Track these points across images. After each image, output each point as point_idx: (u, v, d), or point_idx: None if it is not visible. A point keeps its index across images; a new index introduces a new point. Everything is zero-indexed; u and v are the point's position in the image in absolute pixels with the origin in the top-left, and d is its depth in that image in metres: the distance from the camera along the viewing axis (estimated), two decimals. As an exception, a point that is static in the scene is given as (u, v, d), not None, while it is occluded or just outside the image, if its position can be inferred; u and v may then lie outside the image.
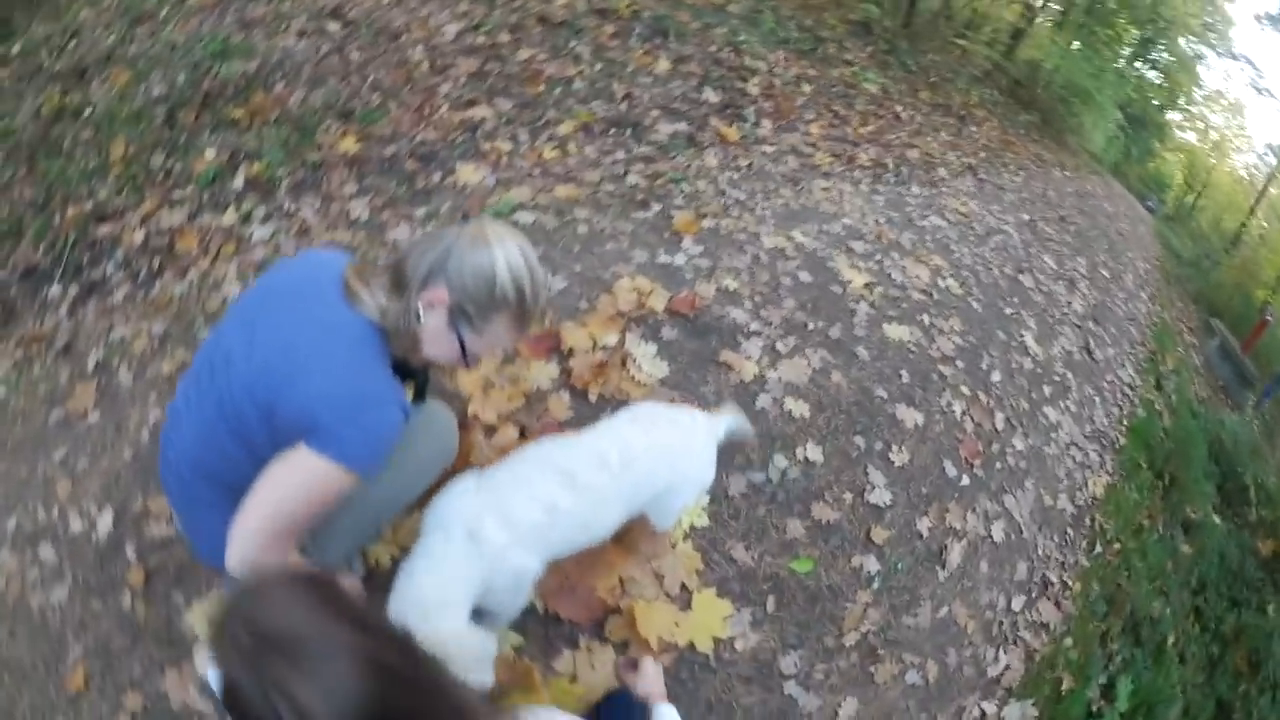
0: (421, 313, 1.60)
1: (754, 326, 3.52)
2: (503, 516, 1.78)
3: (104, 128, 5.24)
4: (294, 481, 1.52)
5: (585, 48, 6.08)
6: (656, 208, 4.40)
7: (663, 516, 2.29)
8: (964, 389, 3.71)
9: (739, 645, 2.43)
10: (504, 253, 1.60)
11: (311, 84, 5.37)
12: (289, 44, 5.74)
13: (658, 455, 2.05)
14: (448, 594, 1.69)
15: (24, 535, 2.63)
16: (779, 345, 3.47)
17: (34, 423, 3.18)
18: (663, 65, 6.18)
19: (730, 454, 2.84)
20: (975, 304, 4.51)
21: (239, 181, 4.50)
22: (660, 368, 3.13)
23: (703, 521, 2.68)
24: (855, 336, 3.68)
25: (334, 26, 5.94)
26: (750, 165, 5.34)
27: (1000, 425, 3.67)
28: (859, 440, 3.17)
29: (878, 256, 4.48)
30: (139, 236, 4.20)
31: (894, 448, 3.22)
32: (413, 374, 1.93)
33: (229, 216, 4.30)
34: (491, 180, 4.44)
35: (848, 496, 2.95)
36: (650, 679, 1.97)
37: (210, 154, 4.71)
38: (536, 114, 5.23)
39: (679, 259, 3.92)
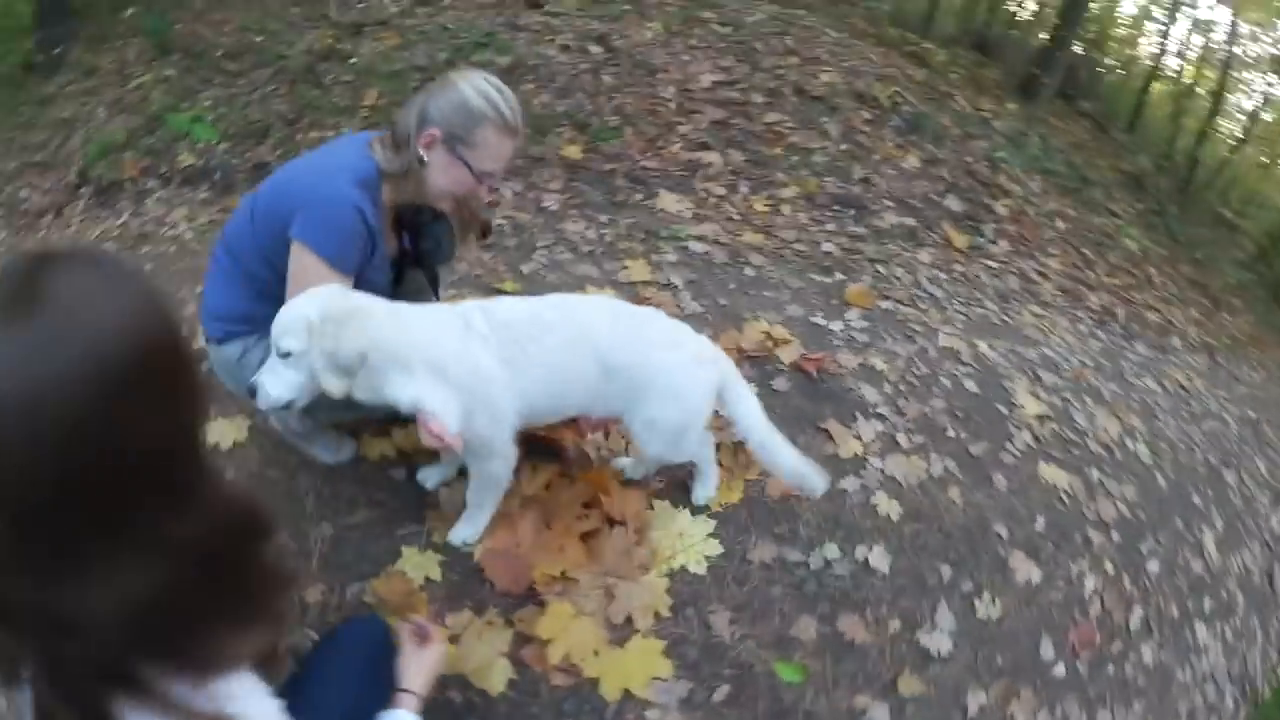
0: (423, 153, 2.19)
1: (882, 410, 3.54)
2: (489, 312, 2.21)
3: (362, 77, 6.60)
4: (294, 281, 2.14)
5: (835, 126, 6.69)
6: (838, 276, 4.73)
7: (646, 441, 2.45)
8: (1108, 565, 3.47)
9: (650, 715, 2.29)
10: (468, 81, 2.20)
11: (559, 93, 6.37)
12: (549, 53, 6.86)
13: (646, 349, 2.34)
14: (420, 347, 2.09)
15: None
16: (900, 438, 3.44)
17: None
18: (911, 161, 6.64)
19: (773, 518, 2.88)
20: (1161, 480, 4.28)
21: None
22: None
23: (698, 568, 2.64)
24: (999, 461, 3.57)
25: (596, 50, 7.03)
26: (964, 272, 5.60)
27: (1134, 624, 3.36)
28: (944, 570, 3.00)
29: (1066, 394, 4.41)
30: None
31: (985, 596, 3.00)
32: (423, 263, 2.58)
33: None
34: (689, 213, 5.13)
35: (894, 624, 2.75)
36: (424, 663, 1.81)
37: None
38: (764, 172, 5.90)
39: (835, 325, 4.07)
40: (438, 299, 2.68)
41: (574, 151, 5.56)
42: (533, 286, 4.07)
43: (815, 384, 3.54)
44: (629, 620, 2.43)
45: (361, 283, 2.24)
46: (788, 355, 3.63)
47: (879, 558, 2.88)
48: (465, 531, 2.50)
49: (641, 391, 2.35)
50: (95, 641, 0.90)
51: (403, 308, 2.12)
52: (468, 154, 2.18)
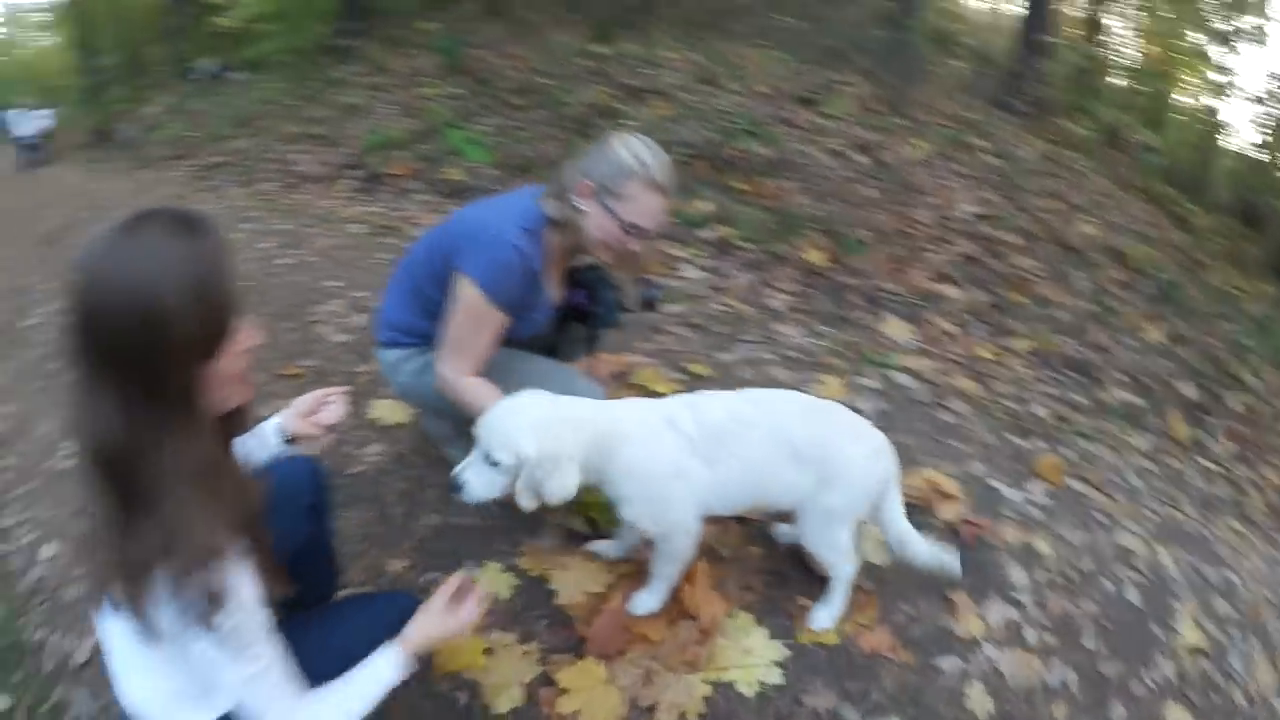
0: (578, 203, 2.50)
1: (1022, 597, 3.33)
2: (696, 410, 2.42)
3: None
4: (455, 309, 2.51)
5: (1085, 282, 6.94)
6: (1037, 443, 4.67)
7: (814, 525, 2.58)
8: None
9: None
10: (621, 140, 2.49)
11: (817, 196, 6.95)
12: (813, 154, 7.51)
13: (837, 441, 2.50)
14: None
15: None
16: (1029, 632, 3.17)
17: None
18: (1155, 335, 6.79)
19: (851, 671, 2.73)
20: None
21: (708, 232, 6.26)
22: (881, 553, 3.14)
23: (747, 689, 2.55)
24: (1127, 689, 3.21)
25: (863, 160, 7.63)
26: (1175, 468, 5.46)
27: None
28: None
29: (1232, 630, 3.94)
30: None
31: None
32: (589, 320, 2.95)
33: (679, 250, 6.03)
34: (910, 344, 5.44)
35: None
36: (432, 623, 1.91)
37: (702, 204, 6.54)
38: (1001, 318, 6.18)
39: (1013, 494, 3.94)
40: (590, 354, 3.15)
41: (818, 257, 6.10)
42: (723, 376, 4.34)
43: (960, 548, 3.33)
44: (653, 708, 2.46)
45: (522, 319, 2.63)
46: (947, 512, 3.51)
47: None
48: (649, 602, 2.66)
49: (827, 481, 2.49)
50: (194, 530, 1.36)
51: (616, 418, 2.35)
52: (616, 206, 2.45)
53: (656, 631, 2.61)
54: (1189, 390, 6.39)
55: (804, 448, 2.45)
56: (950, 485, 3.62)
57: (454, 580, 1.96)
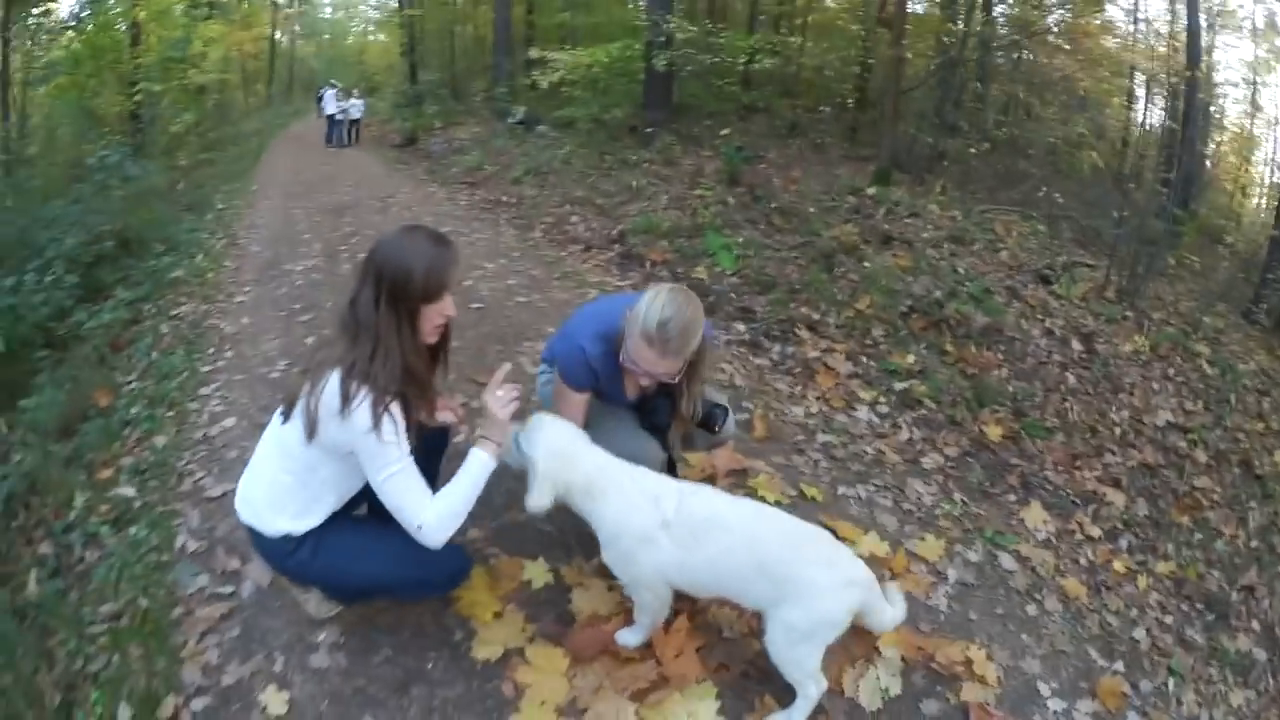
0: (623, 326, 3.08)
1: None
2: (683, 498, 2.91)
3: (864, 282, 8.21)
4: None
5: (1259, 517, 6.75)
6: (1116, 665, 4.35)
7: (776, 637, 2.83)
8: None
9: None
10: (650, 293, 2.99)
11: (1019, 373, 7.37)
12: (1031, 332, 7.94)
13: (803, 565, 2.79)
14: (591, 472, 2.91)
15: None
16: None
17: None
18: None
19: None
20: None
21: (899, 383, 6.81)
22: (872, 699, 3.22)
23: None
24: None
25: (1077, 346, 7.93)
26: None
27: None
28: None
29: None
30: (810, 348, 7.17)
31: None
32: (659, 424, 3.48)
33: (863, 392, 6.67)
34: (1041, 534, 5.50)
35: None
36: (500, 426, 2.85)
37: (909, 358, 7.16)
38: (1154, 537, 6.13)
39: (1055, 704, 3.69)
40: (665, 453, 3.60)
41: (995, 432, 6.47)
42: (830, 504, 4.67)
43: None
44: (584, 711, 2.91)
45: (605, 398, 3.39)
46: (969, 693, 3.39)
47: None
48: (629, 638, 3.16)
49: (789, 597, 2.77)
50: (375, 359, 2.55)
51: (612, 476, 2.93)
52: (627, 342, 3.02)
53: (622, 658, 3.12)
54: None
55: (771, 565, 2.77)
56: (989, 672, 3.53)
57: (498, 376, 2.91)
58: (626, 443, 3.10)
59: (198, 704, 2.96)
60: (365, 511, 3.20)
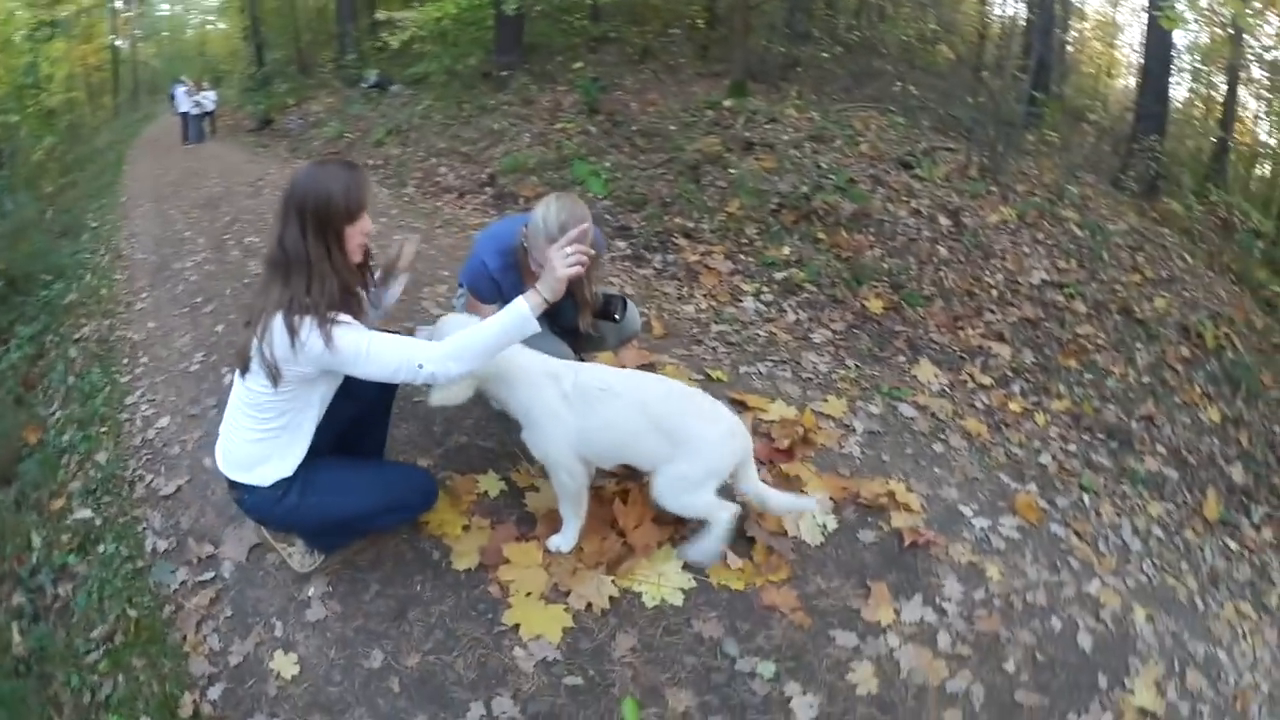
0: (522, 239, 3.41)
1: (949, 606, 3.43)
2: (577, 374, 3.16)
3: (732, 187, 8.24)
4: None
5: (1146, 355, 7.18)
6: (1030, 487, 4.89)
7: (666, 488, 3.13)
8: None
9: (515, 652, 2.97)
10: (545, 202, 3.26)
11: (892, 251, 7.53)
12: (899, 213, 8.09)
13: (689, 420, 3.12)
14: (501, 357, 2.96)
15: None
16: (943, 637, 3.29)
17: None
18: (1212, 414, 6.92)
19: (746, 616, 3.16)
20: None
21: (779, 273, 6.97)
22: (814, 535, 3.57)
23: (650, 600, 3.16)
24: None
25: (945, 221, 8.13)
26: (1188, 540, 5.60)
27: None
28: None
29: (1202, 706, 3.70)
30: (689, 253, 7.19)
31: None
32: (567, 325, 3.70)
33: (746, 284, 6.87)
34: (935, 387, 5.91)
35: None
36: (560, 258, 2.79)
37: (785, 250, 7.28)
38: (1045, 379, 6.54)
39: (979, 521, 4.05)
40: (576, 355, 3.75)
41: (876, 305, 6.67)
42: (735, 382, 4.93)
43: (902, 553, 3.60)
44: (568, 594, 3.15)
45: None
46: (899, 520, 3.72)
47: (805, 706, 2.88)
48: (559, 541, 3.33)
49: (679, 450, 3.08)
50: (311, 288, 2.58)
51: (518, 364, 3.10)
52: (530, 249, 3.32)
53: (591, 543, 3.34)
54: (1237, 474, 6.46)
55: (660, 419, 3.08)
56: (911, 500, 3.90)
57: (571, 234, 2.86)
58: (538, 344, 3.18)
59: (213, 692, 2.97)
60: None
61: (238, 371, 2.80)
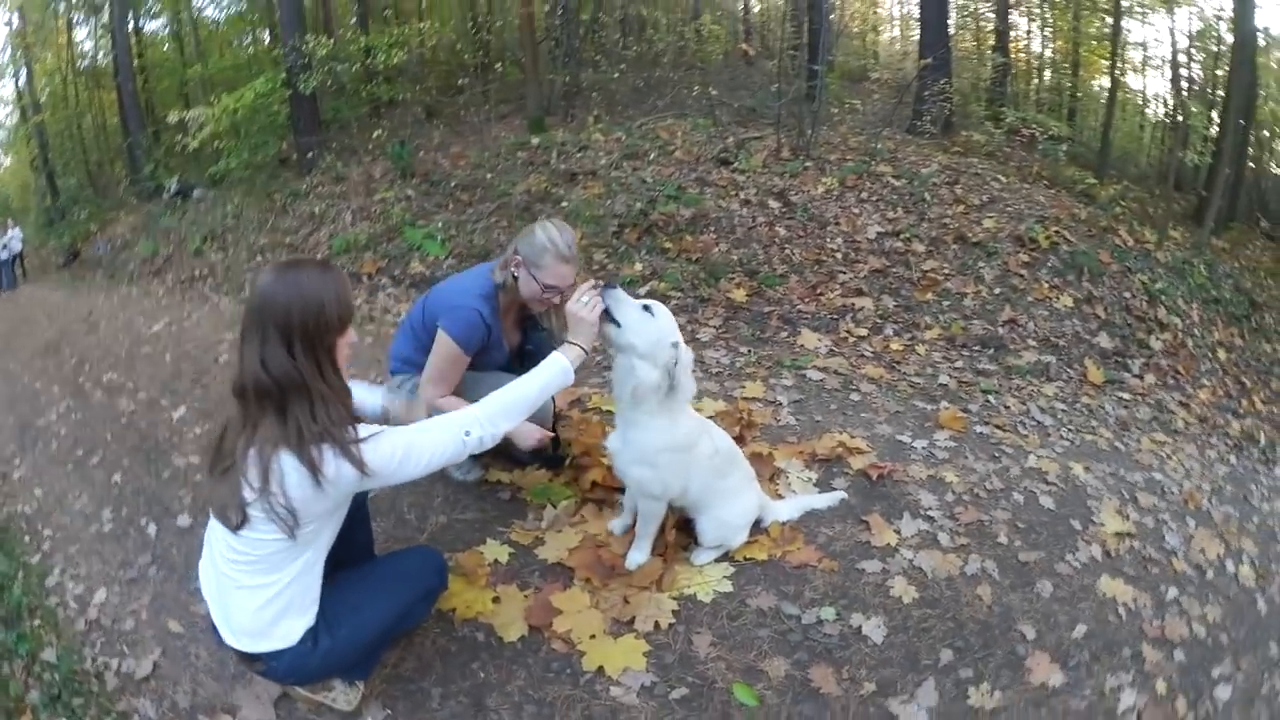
0: (514, 271, 3.47)
1: (933, 513, 3.98)
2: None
3: (569, 219, 8.41)
4: (436, 351, 3.52)
5: (991, 270, 7.77)
6: (942, 404, 5.48)
7: (709, 526, 3.48)
8: (1160, 684, 3.27)
9: (613, 692, 2.96)
10: (541, 225, 3.42)
11: (736, 243, 7.98)
12: (731, 207, 8.56)
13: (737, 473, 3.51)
14: None
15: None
16: (943, 537, 3.81)
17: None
18: (1064, 301, 7.50)
19: (785, 579, 3.46)
20: (1262, 604, 4.08)
21: (643, 289, 7.24)
22: (806, 496, 4.00)
23: (704, 598, 3.33)
24: (1051, 570, 3.72)
25: (775, 204, 8.67)
26: (1088, 404, 6.21)
27: None
28: (944, 653, 3.15)
29: (1164, 515, 4.52)
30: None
31: (984, 686, 3.03)
32: (532, 353, 3.82)
33: None
34: (824, 349, 6.39)
35: (868, 687, 2.98)
36: (586, 331, 2.89)
37: (638, 266, 7.60)
38: (911, 317, 7.06)
39: (918, 443, 4.69)
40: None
41: (740, 295, 7.08)
42: None
43: (871, 485, 4.13)
44: (631, 621, 3.20)
45: (483, 358, 3.61)
46: (857, 463, 4.26)
47: (874, 628, 3.21)
48: (637, 556, 3.46)
49: (727, 499, 3.48)
50: (317, 413, 2.27)
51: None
52: (537, 274, 3.39)
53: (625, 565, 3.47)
54: (1104, 341, 7.09)
55: (722, 472, 3.46)
56: (859, 443, 4.45)
57: (583, 287, 2.94)
58: (489, 383, 3.20)
59: None
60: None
61: (219, 530, 2.45)
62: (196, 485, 4.87)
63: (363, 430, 2.38)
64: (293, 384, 2.27)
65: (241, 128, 15.19)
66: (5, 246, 20.35)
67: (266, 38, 23.36)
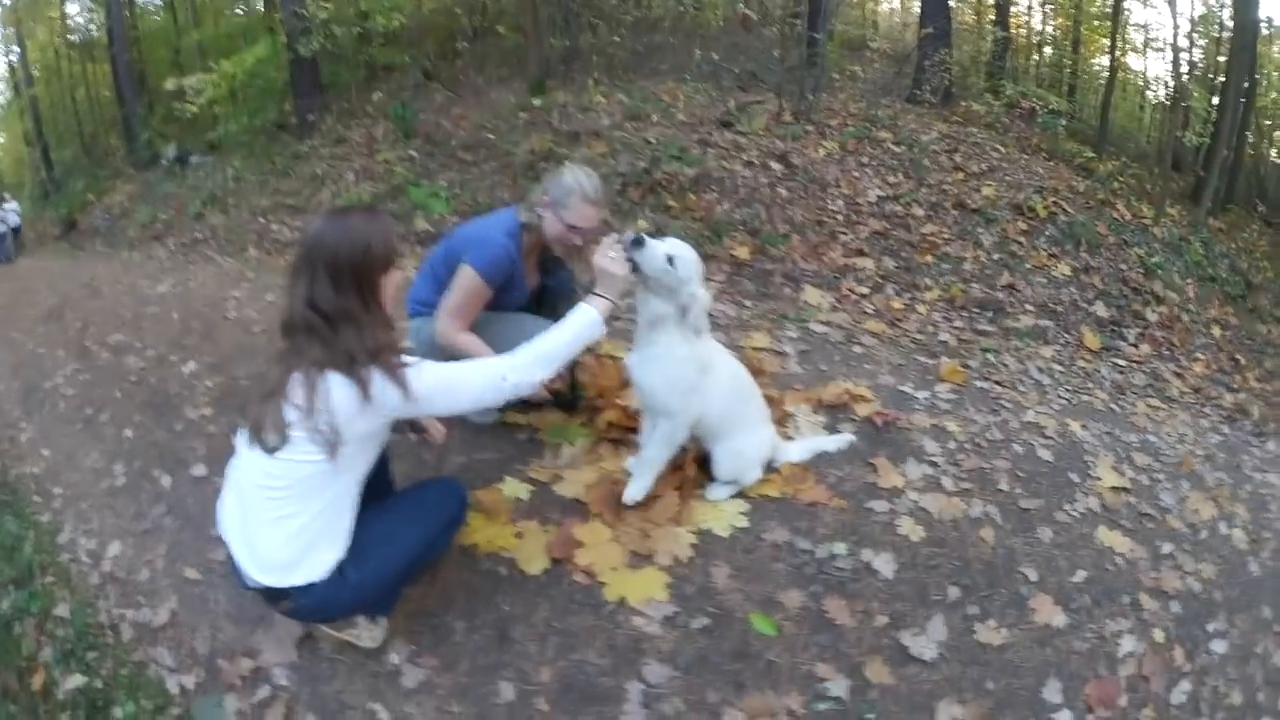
0: (540, 212, 3.53)
1: (937, 459, 4.06)
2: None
3: None
4: (457, 284, 3.50)
5: (990, 237, 7.98)
6: (943, 359, 5.59)
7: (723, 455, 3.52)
8: (1157, 633, 3.40)
9: (635, 621, 3.03)
10: (568, 168, 3.52)
11: (739, 203, 8.05)
12: (734, 168, 8.63)
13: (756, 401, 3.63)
14: None
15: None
16: (946, 481, 3.90)
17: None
18: (1062, 269, 7.77)
19: (797, 515, 3.53)
20: (1255, 566, 4.19)
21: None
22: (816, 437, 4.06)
23: (721, 532, 3.38)
24: (1051, 518, 3.83)
25: (777, 167, 8.76)
26: (1085, 368, 6.39)
27: (1178, 698, 3.21)
28: (951, 590, 3.28)
29: (1159, 475, 4.65)
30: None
31: (990, 623, 3.16)
32: (552, 291, 3.93)
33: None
34: (826, 305, 6.49)
35: (880, 619, 3.11)
36: (613, 282, 2.88)
37: (641, 223, 7.65)
38: (911, 278, 7.23)
39: (920, 394, 4.76)
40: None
41: (743, 253, 7.17)
42: None
43: (879, 433, 4.17)
44: (650, 555, 3.25)
45: (504, 297, 3.62)
46: (862, 410, 4.32)
47: (884, 563, 3.31)
48: (633, 492, 3.46)
49: (744, 428, 3.55)
50: (365, 339, 2.36)
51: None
52: (563, 213, 3.44)
53: (650, 505, 3.47)
54: (1101, 310, 7.30)
55: (742, 398, 3.58)
56: (864, 391, 4.49)
57: (608, 240, 2.95)
58: (539, 327, 3.16)
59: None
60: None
61: (251, 460, 2.50)
62: (210, 436, 4.82)
63: (406, 360, 2.45)
64: (341, 315, 2.35)
65: (239, 93, 15.35)
66: (2, 220, 20.34)
67: (260, 5, 23.26)
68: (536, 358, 2.66)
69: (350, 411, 2.34)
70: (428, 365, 2.48)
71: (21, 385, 7.41)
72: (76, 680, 3.37)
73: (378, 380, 2.35)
